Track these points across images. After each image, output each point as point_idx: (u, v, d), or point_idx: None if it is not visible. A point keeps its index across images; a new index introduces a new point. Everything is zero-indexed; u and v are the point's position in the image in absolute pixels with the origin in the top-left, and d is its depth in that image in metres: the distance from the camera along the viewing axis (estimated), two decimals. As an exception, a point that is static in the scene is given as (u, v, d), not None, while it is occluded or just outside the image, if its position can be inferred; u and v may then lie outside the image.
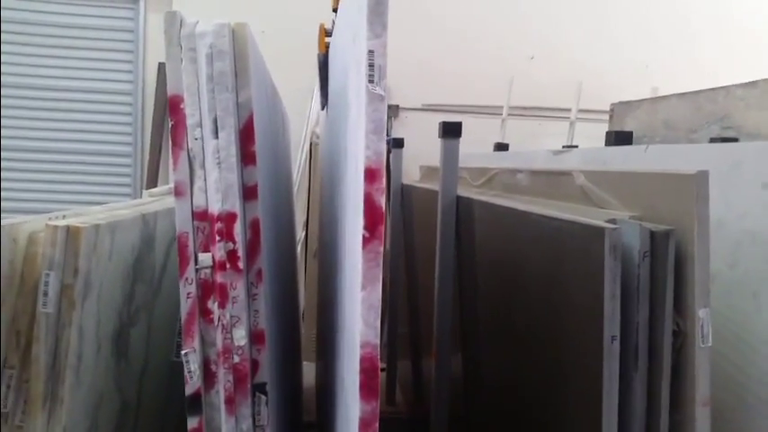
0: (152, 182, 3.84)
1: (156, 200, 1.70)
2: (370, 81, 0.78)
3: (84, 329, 1.05)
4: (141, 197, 2.50)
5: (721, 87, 2.44)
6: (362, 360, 0.77)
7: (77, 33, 3.91)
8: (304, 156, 3.77)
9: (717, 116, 2.51)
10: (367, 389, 0.77)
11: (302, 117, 3.76)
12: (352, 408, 0.81)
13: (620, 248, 1.07)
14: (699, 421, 1.03)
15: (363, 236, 0.77)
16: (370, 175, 0.78)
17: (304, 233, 3.59)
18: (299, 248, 3.52)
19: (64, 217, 1.13)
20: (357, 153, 0.85)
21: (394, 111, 4.11)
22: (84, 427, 1.07)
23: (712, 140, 1.80)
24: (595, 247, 1.09)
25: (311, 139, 3.57)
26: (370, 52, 0.78)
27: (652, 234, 1.09)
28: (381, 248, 0.77)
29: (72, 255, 1.00)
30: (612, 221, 1.15)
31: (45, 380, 0.97)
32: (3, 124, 3.89)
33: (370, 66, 0.78)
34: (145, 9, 3.90)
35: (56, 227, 0.99)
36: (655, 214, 1.16)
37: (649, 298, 1.09)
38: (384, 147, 0.78)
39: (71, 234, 1.00)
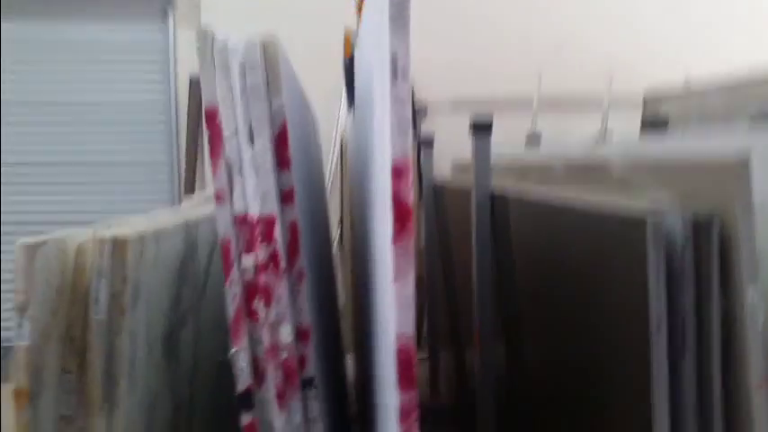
0: (189, 190, 3.92)
1: (196, 207, 1.74)
2: (394, 82, 0.81)
3: (135, 334, 1.08)
4: (180, 205, 2.55)
5: (756, 70, 2.39)
6: (399, 351, 0.79)
7: (112, 50, 4.02)
8: (335, 157, 3.81)
9: (753, 99, 2.46)
10: (405, 379, 0.80)
11: (331, 119, 3.78)
12: (391, 398, 0.83)
13: (662, 237, 1.06)
14: (755, 405, 1.01)
15: (393, 231, 0.80)
16: (397, 172, 0.81)
17: (339, 231, 3.62)
18: (335, 246, 3.55)
19: (109, 227, 1.17)
20: (384, 152, 0.87)
21: (422, 110, 4.11)
22: (141, 426, 1.11)
23: (752, 120, 1.76)
24: (637, 237, 1.09)
25: (341, 140, 3.60)
26: (394, 54, 0.80)
27: (694, 221, 1.07)
28: (412, 242, 0.80)
29: (119, 264, 1.04)
30: (654, 211, 1.14)
31: (101, 383, 1.01)
32: (46, 141, 4.02)
33: (394, 68, 0.80)
34: (174, 24, 3.99)
35: (103, 238, 1.02)
36: (697, 202, 1.15)
37: (695, 285, 1.07)
38: (410, 144, 0.81)
39: (118, 244, 1.03)
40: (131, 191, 4.06)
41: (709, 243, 1.06)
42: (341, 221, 3.58)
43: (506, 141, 3.09)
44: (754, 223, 1.04)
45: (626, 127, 3.31)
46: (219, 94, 1.12)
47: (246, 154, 1.13)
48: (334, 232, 3.62)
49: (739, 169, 1.05)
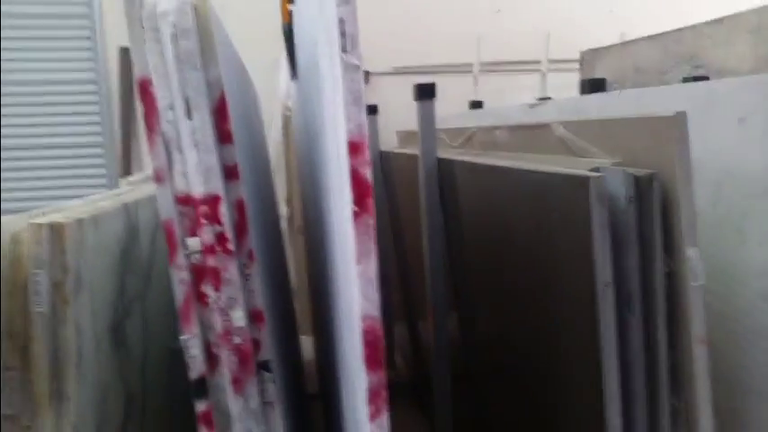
0: (126, 170, 3.78)
1: (134, 188, 1.67)
2: (344, 50, 0.76)
3: (81, 325, 1.04)
4: (118, 187, 2.46)
5: (688, 27, 2.45)
6: (365, 332, 0.78)
7: (32, 23, 3.78)
8: (278, 130, 3.73)
9: (686, 56, 2.53)
10: (373, 360, 0.78)
11: (271, 90, 3.70)
12: (358, 379, 0.82)
13: (605, 196, 1.08)
14: (697, 359, 1.05)
15: (353, 210, 0.77)
16: (354, 148, 0.77)
17: (288, 209, 3.57)
18: (283, 224, 3.50)
19: (44, 214, 1.11)
20: (337, 126, 0.83)
21: (365, 77, 4.06)
22: (93, 421, 1.07)
23: (684, 80, 1.81)
24: (581, 196, 1.10)
25: (283, 112, 3.53)
26: (341, 20, 0.76)
27: (636, 179, 1.10)
28: (372, 221, 0.77)
29: (59, 252, 0.99)
30: (596, 170, 1.16)
31: (49, 378, 0.97)
32: (-35, 125, 3.79)
33: (342, 34, 0.76)
34: (100, -8, 3.78)
35: (40, 225, 0.97)
36: (636, 159, 1.17)
37: (638, 243, 1.10)
38: (365, 118, 0.77)
39: (55, 231, 0.98)
40: (63, 175, 3.88)
41: (651, 200, 1.09)
42: (289, 198, 3.53)
43: (450, 107, 3.10)
44: (693, 181, 1.07)
45: (565, 89, 3.37)
46: (151, 63, 1.05)
47: (184, 128, 1.07)
48: (282, 210, 3.57)
49: (676, 124, 1.07)
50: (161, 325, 1.50)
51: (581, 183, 1.11)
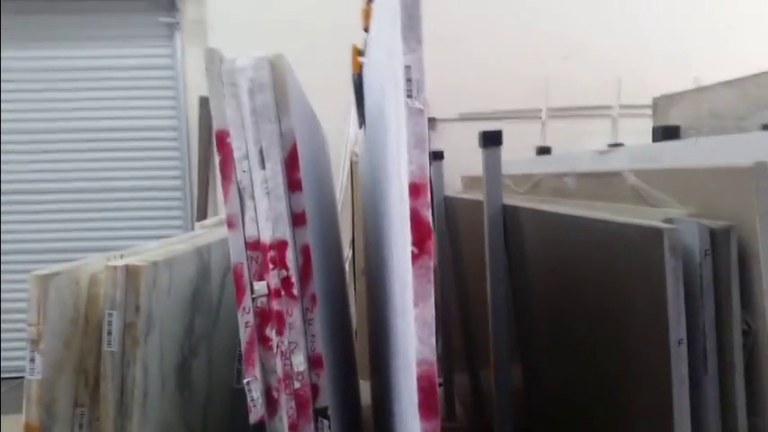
0: (202, 214, 3.93)
1: (208, 231, 1.73)
2: (409, 96, 0.78)
3: (149, 365, 1.07)
4: (192, 230, 2.55)
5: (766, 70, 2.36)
6: (420, 378, 0.77)
7: (118, 74, 4.04)
8: (345, 175, 3.80)
9: (766, 102, 2.43)
10: (427, 407, 0.77)
11: (341, 137, 3.79)
12: (412, 426, 0.81)
13: (679, 248, 1.04)
14: (779, 422, 0.98)
15: (412, 252, 0.77)
16: (415, 189, 0.78)
17: (351, 251, 3.60)
18: (346, 266, 3.53)
19: (122, 256, 1.16)
20: (400, 169, 0.85)
21: (431, 124, 4.11)
22: (155, 460, 1.10)
23: (764, 128, 1.74)
24: (654, 248, 1.07)
25: (351, 158, 3.60)
26: (407, 68, 0.78)
27: (712, 231, 1.05)
28: (432, 264, 0.77)
29: (132, 293, 1.03)
30: (669, 221, 1.12)
31: (114, 417, 1.00)
32: (55, 168, 4.05)
33: (408, 80, 0.78)
34: (182, 44, 4.00)
35: (115, 267, 1.02)
36: (713, 211, 1.12)
37: (714, 297, 1.05)
38: (427, 160, 0.78)
39: (130, 273, 1.03)
40: (143, 216, 4.07)
41: (728, 254, 1.04)
42: (352, 242, 3.57)
43: (516, 153, 3.08)
44: (774, 233, 1.01)
45: (637, 135, 3.29)
46: (229, 116, 1.11)
47: (257, 177, 1.12)
48: (346, 253, 3.60)
49: (756, 175, 1.03)
50: (225, 365, 1.53)
51: (654, 234, 1.08)
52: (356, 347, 3.10)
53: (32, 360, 0.93)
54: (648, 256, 1.08)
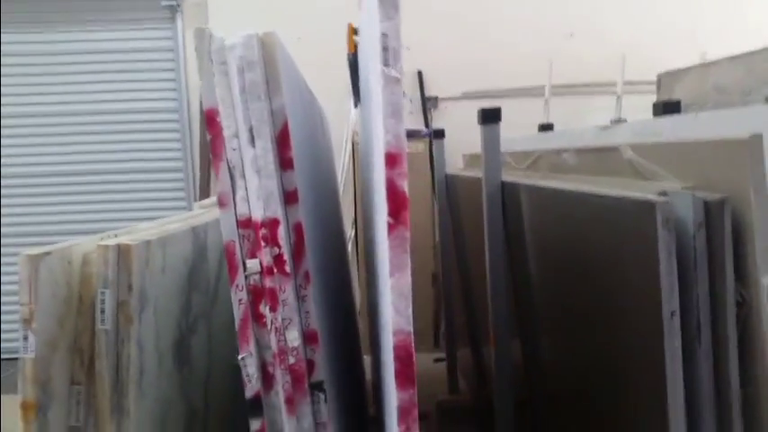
0: (204, 195, 3.94)
1: (206, 211, 1.74)
2: (385, 64, 0.77)
3: (144, 343, 1.08)
4: (192, 210, 2.56)
5: (772, 45, 2.33)
6: (396, 348, 0.77)
7: (120, 57, 4.04)
8: (347, 155, 3.80)
9: (770, 75, 2.40)
10: (403, 377, 0.77)
11: (343, 118, 3.77)
12: (391, 397, 0.81)
13: (672, 221, 1.03)
14: (773, 395, 0.98)
15: (388, 222, 0.77)
16: (391, 159, 0.77)
17: (353, 231, 3.61)
18: (349, 246, 3.54)
19: (116, 236, 1.17)
20: (377, 139, 0.84)
21: (433, 102, 4.09)
22: (153, 436, 1.11)
23: (766, 102, 1.72)
24: (647, 221, 1.06)
25: (353, 137, 3.59)
26: (384, 35, 0.77)
27: (706, 204, 1.04)
28: (407, 234, 0.77)
29: (125, 272, 1.03)
30: (663, 194, 1.11)
31: (110, 394, 1.01)
32: (57, 151, 4.06)
33: (384, 49, 0.77)
34: (183, 27, 3.99)
35: (107, 246, 1.02)
36: (708, 184, 1.11)
37: (708, 270, 1.04)
38: (403, 129, 0.77)
39: (122, 252, 1.03)
40: (146, 198, 4.09)
41: (722, 227, 1.03)
42: (355, 221, 3.58)
43: (520, 131, 3.06)
44: (767, 205, 1.00)
45: (642, 111, 3.25)
46: (219, 94, 1.11)
47: (248, 155, 1.11)
48: (349, 232, 3.61)
49: (750, 148, 1.01)
50: (226, 342, 1.54)
51: (647, 207, 1.07)
52: (360, 324, 3.12)
53: (26, 338, 0.94)
54: (642, 230, 1.08)
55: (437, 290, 3.43)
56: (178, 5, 3.98)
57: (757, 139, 1.02)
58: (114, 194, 4.10)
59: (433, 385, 2.85)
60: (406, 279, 0.77)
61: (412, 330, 0.77)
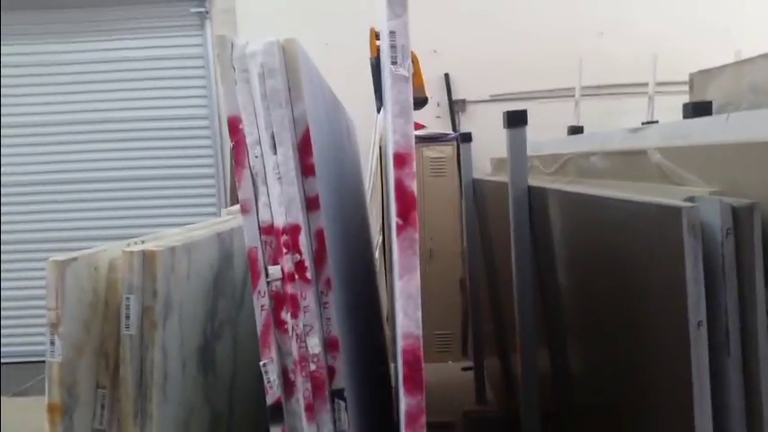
0: (235, 201, 3.98)
1: (233, 218, 1.76)
2: (393, 62, 0.76)
3: (168, 348, 1.10)
4: (220, 216, 2.59)
5: (811, 43, 2.26)
6: (405, 352, 0.76)
7: (151, 65, 4.11)
8: (374, 160, 3.80)
9: (809, 74, 2.33)
10: (411, 381, 0.75)
11: (371, 123, 3.78)
12: (400, 402, 0.80)
13: (698, 227, 1.01)
14: (805, 406, 0.95)
15: (397, 223, 0.75)
16: (400, 159, 0.75)
17: (381, 237, 3.61)
18: (377, 253, 3.54)
19: (143, 242, 1.19)
20: (388, 139, 0.83)
21: (461, 105, 4.07)
22: (177, 440, 1.13)
23: (803, 101, 1.66)
24: (673, 227, 1.03)
25: (380, 143, 3.59)
26: (392, 33, 0.76)
27: (734, 209, 1.02)
28: (416, 235, 0.75)
29: (150, 278, 1.05)
30: (690, 199, 1.09)
31: (134, 398, 1.03)
32: (90, 158, 4.15)
33: (392, 47, 0.76)
34: (212, 33, 4.05)
35: (132, 252, 1.04)
36: (737, 188, 1.08)
37: (737, 278, 1.01)
38: (411, 128, 0.76)
39: (147, 258, 1.05)
40: (177, 204, 4.15)
41: (751, 234, 1.00)
42: (382, 227, 3.57)
43: (550, 133, 3.02)
44: (800, 210, 0.97)
45: (675, 112, 3.19)
46: (241, 102, 1.12)
47: (269, 162, 1.12)
48: (377, 239, 3.61)
49: (781, 152, 0.98)
50: (251, 348, 1.55)
51: (673, 213, 1.05)
52: (387, 331, 3.11)
53: (53, 343, 0.96)
54: (668, 236, 1.05)
55: (465, 297, 3.40)
56: (207, 12, 4.04)
57: (788, 141, 0.99)
58: (146, 201, 4.17)
59: (460, 395, 2.82)
60: (415, 281, 0.76)
61: (421, 334, 0.76)
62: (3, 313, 4.05)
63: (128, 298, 1.03)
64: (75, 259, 1.01)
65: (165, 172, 4.17)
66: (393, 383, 2.32)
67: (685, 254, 1.01)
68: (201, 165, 4.16)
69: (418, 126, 3.82)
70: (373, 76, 2.16)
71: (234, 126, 1.13)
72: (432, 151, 3.74)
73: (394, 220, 0.76)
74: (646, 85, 3.76)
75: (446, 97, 4.06)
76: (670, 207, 1.07)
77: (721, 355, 1.00)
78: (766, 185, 1.02)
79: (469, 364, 2.92)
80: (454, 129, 3.99)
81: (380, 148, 3.54)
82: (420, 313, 0.75)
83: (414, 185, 0.77)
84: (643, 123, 2.79)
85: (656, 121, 2.84)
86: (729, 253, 1.01)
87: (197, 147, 4.15)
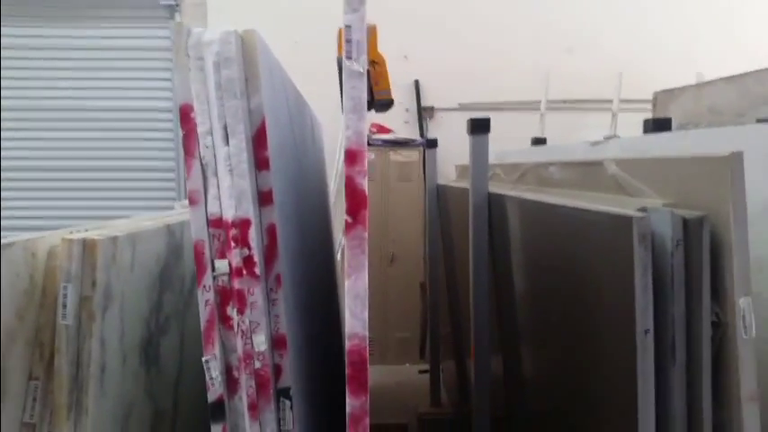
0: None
1: (186, 210, 1.71)
2: (348, 57, 0.74)
3: (107, 340, 1.06)
4: (173, 209, 2.53)
5: (768, 66, 2.32)
6: (350, 353, 0.74)
7: (117, 55, 4.03)
8: (341, 162, 3.78)
9: (765, 98, 2.39)
10: (356, 383, 0.74)
11: (338, 124, 3.76)
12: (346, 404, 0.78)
13: (649, 237, 1.01)
14: (746, 418, 0.96)
15: (346, 221, 0.74)
16: (351, 156, 0.74)
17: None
18: (339, 254, 3.51)
19: (86, 230, 1.15)
20: (340, 136, 0.81)
21: (429, 112, 4.08)
22: (113, 436, 1.09)
23: (758, 121, 1.70)
24: (624, 237, 1.04)
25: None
26: (347, 27, 0.74)
27: (684, 221, 1.03)
28: (366, 234, 0.74)
29: (89, 267, 1.01)
30: (642, 210, 1.10)
31: (68, 390, 0.99)
32: (49, 146, 4.04)
33: (348, 41, 0.74)
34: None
35: (71, 240, 1.00)
36: (689, 201, 1.10)
37: (685, 288, 1.02)
38: (364, 125, 0.75)
39: (87, 247, 1.01)
40: (137, 197, 4.07)
41: (700, 245, 1.01)
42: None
43: (514, 144, 3.05)
44: (746, 224, 0.99)
45: (637, 129, 3.25)
46: (194, 90, 1.08)
47: (221, 153, 1.09)
48: (340, 238, 3.58)
49: (731, 165, 1.00)
50: (198, 343, 1.51)
51: (624, 223, 1.05)
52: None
53: (-19, 330, 0.92)
54: (619, 245, 1.06)
55: (425, 300, 3.40)
56: (177, 5, 3.97)
57: (737, 156, 1.00)
58: (104, 192, 4.08)
59: (417, 397, 2.82)
60: (363, 281, 0.74)
61: (367, 335, 0.74)
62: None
63: (65, 287, 0.99)
64: (10, 244, 0.96)
65: (125, 163, 4.08)
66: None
67: (635, 263, 1.01)
68: (163, 158, 4.09)
69: (386, 130, 3.82)
70: (339, 75, 2.15)
71: (185, 114, 1.09)
72: (399, 156, 3.75)
73: (343, 217, 0.74)
74: (610, 101, 3.82)
75: (415, 103, 4.07)
76: (622, 217, 1.07)
77: (666, 364, 1.01)
78: (717, 198, 1.04)
79: (427, 366, 2.92)
80: (422, 135, 4.00)
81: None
82: (367, 313, 0.73)
83: (364, 184, 0.75)
84: (605, 137, 2.83)
85: (618, 137, 2.88)
86: (679, 263, 1.02)
87: (159, 139, 4.08)
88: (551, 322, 1.44)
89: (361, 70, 0.75)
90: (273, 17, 3.86)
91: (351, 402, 0.74)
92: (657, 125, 1.97)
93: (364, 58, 0.74)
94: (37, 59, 4.01)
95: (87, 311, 1.01)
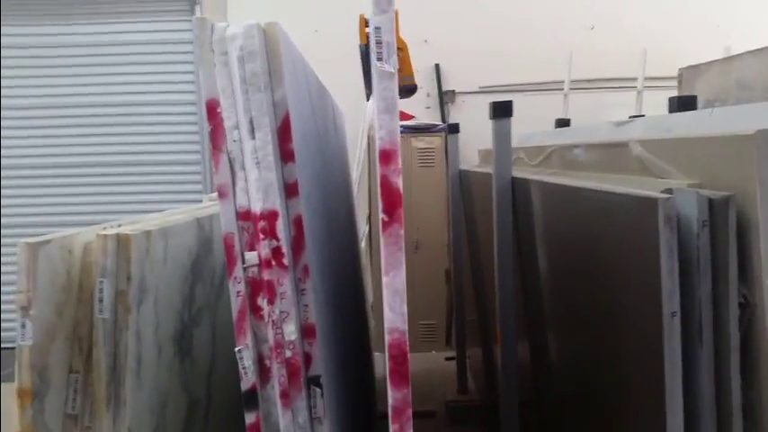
0: (220, 187, 3.95)
1: (214, 204, 1.75)
2: (379, 59, 0.75)
3: (142, 333, 1.09)
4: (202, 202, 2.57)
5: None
6: (391, 347, 0.76)
7: (139, 49, 4.07)
8: (362, 150, 3.79)
9: (796, 70, 2.34)
10: (397, 375, 0.76)
11: (360, 112, 3.77)
12: (387, 396, 0.80)
13: (674, 219, 1.01)
14: (776, 398, 0.96)
15: (383, 220, 0.76)
16: (385, 156, 0.76)
17: (368, 227, 3.60)
18: (363, 243, 3.54)
19: (119, 226, 1.18)
20: (375, 135, 0.83)
21: (450, 96, 4.06)
22: (151, 425, 1.12)
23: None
24: (650, 219, 1.04)
25: (369, 133, 3.58)
26: (377, 29, 0.75)
27: (710, 201, 1.02)
28: (402, 231, 0.76)
29: (124, 261, 1.04)
30: (668, 191, 1.09)
31: (107, 382, 1.02)
32: (75, 142, 4.11)
33: (378, 43, 0.76)
34: (202, 19, 4.00)
35: (106, 236, 1.03)
36: (715, 181, 1.09)
37: (711, 270, 1.02)
38: (397, 125, 0.76)
39: (121, 242, 1.04)
40: (164, 191, 4.13)
41: (726, 226, 1.00)
42: (369, 216, 3.57)
43: (537, 126, 3.03)
44: (775, 202, 0.98)
45: (663, 107, 3.20)
46: (219, 85, 1.10)
47: (247, 147, 1.11)
48: (363, 228, 3.61)
49: (757, 143, 0.98)
50: (230, 334, 1.55)
51: (650, 205, 1.05)
52: (373, 321, 3.12)
53: (23, 326, 0.95)
54: (644, 227, 1.06)
55: (450, 287, 3.42)
56: (197, -3, 4.01)
57: (764, 134, 0.99)
58: (132, 186, 4.15)
59: (444, 384, 2.84)
60: (401, 277, 0.77)
61: (407, 329, 0.76)
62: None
63: (101, 282, 1.02)
64: (48, 242, 1.00)
65: (151, 158, 4.14)
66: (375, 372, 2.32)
67: (660, 245, 1.01)
68: (188, 151, 4.14)
69: (407, 117, 3.81)
70: (362, 63, 2.15)
71: (212, 109, 1.11)
72: (420, 142, 3.74)
73: (380, 216, 0.76)
74: (635, 79, 3.77)
75: (436, 88, 4.06)
76: (647, 198, 1.07)
77: (694, 346, 1.01)
78: (743, 178, 1.03)
79: (453, 353, 2.94)
80: (443, 120, 3.98)
81: (369, 137, 3.53)
82: (405, 308, 0.76)
83: (399, 182, 0.77)
84: (630, 117, 2.80)
85: (642, 116, 2.85)
86: (705, 245, 1.02)
87: (184, 132, 4.13)
88: (577, 307, 1.44)
89: (393, 71, 0.76)
90: (293, 6, 3.86)
91: (393, 395, 0.76)
92: (683, 103, 1.94)
93: (395, 59, 0.76)
94: (56, 57, 4.07)
95: (123, 305, 1.04)
